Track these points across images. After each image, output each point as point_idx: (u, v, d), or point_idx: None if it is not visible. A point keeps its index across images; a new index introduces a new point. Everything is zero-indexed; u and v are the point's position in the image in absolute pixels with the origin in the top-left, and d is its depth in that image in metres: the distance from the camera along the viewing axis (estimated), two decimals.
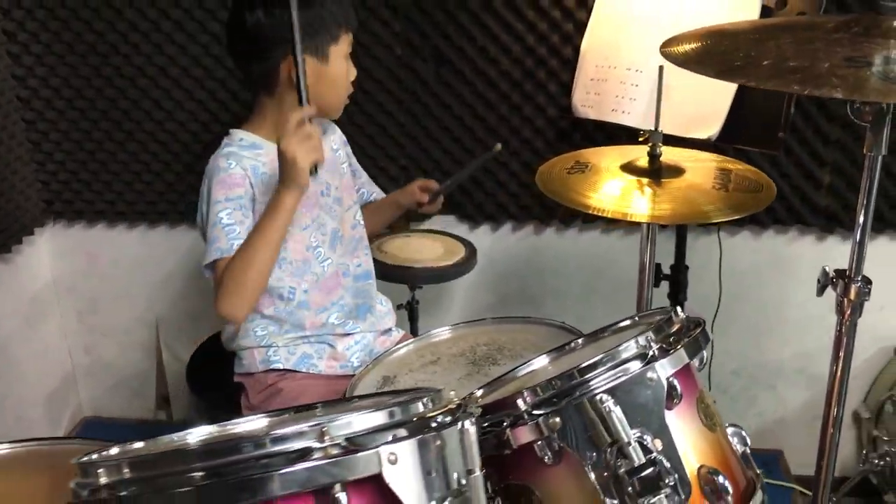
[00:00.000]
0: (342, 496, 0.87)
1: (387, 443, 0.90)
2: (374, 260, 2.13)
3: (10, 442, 1.48)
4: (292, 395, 1.80)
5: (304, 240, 1.83)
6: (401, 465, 0.90)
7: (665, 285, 2.21)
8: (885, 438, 2.40)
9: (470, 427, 0.97)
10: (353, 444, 0.90)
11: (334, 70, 1.77)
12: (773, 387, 2.60)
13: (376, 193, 2.17)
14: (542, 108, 2.34)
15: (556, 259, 2.54)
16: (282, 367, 1.84)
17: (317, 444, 0.88)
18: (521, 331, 1.81)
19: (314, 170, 1.62)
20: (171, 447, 0.92)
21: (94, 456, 0.93)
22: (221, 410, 1.90)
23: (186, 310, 2.75)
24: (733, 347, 2.51)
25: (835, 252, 2.40)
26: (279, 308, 1.84)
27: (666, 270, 2.21)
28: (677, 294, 2.21)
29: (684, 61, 1.25)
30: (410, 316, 2.28)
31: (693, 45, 1.33)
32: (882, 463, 2.37)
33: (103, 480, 0.90)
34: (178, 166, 2.52)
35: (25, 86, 2.44)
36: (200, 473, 0.88)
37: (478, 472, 0.97)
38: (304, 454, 0.88)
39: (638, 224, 2.43)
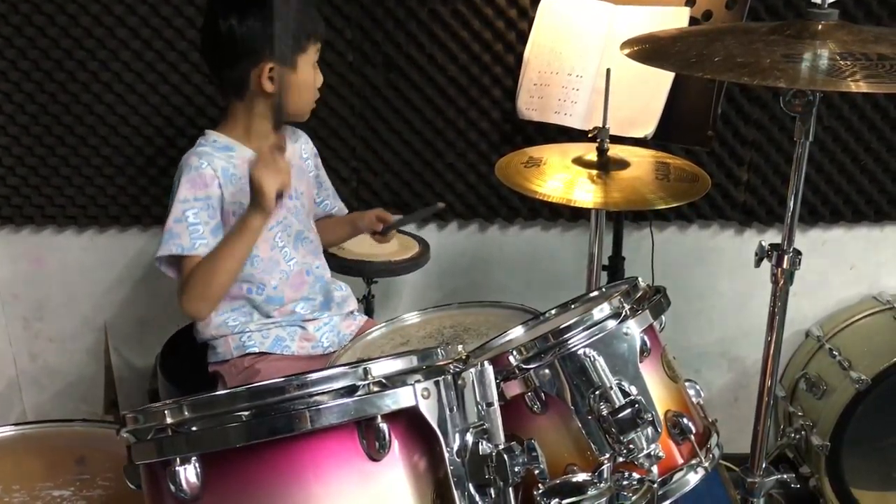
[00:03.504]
0: (384, 426, 1.00)
1: (419, 381, 1.03)
2: (333, 255, 2.25)
3: (14, 424, 1.54)
4: (269, 375, 1.88)
5: (269, 239, 1.93)
6: (432, 400, 1.03)
7: (603, 275, 2.39)
8: (800, 414, 2.62)
9: (488, 366, 1.11)
10: (392, 382, 1.03)
11: (302, 78, 1.87)
12: (697, 370, 2.81)
13: (338, 209, 2.27)
14: (487, 112, 2.50)
15: (500, 255, 2.70)
16: (257, 350, 1.94)
17: (361, 382, 1.01)
18: (484, 313, 1.94)
19: (279, 196, 1.72)
20: (225, 391, 1.02)
21: (157, 403, 1.03)
22: None
23: (136, 314, 2.78)
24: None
25: (752, 244, 2.59)
26: (248, 299, 1.94)
27: (604, 261, 2.39)
28: None
29: (646, 59, 1.43)
30: (367, 309, 2.40)
31: (647, 47, 1.51)
32: (798, 437, 2.59)
33: (169, 420, 1.00)
34: (132, 170, 2.56)
35: None
36: (255, 410, 0.99)
37: (496, 405, 1.11)
38: (352, 390, 1.00)
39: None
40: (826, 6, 1.45)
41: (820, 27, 1.44)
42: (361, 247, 2.34)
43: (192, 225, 1.80)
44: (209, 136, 1.91)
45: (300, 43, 1.85)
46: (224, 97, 1.95)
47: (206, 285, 1.78)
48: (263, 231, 1.81)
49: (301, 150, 2.09)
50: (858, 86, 1.30)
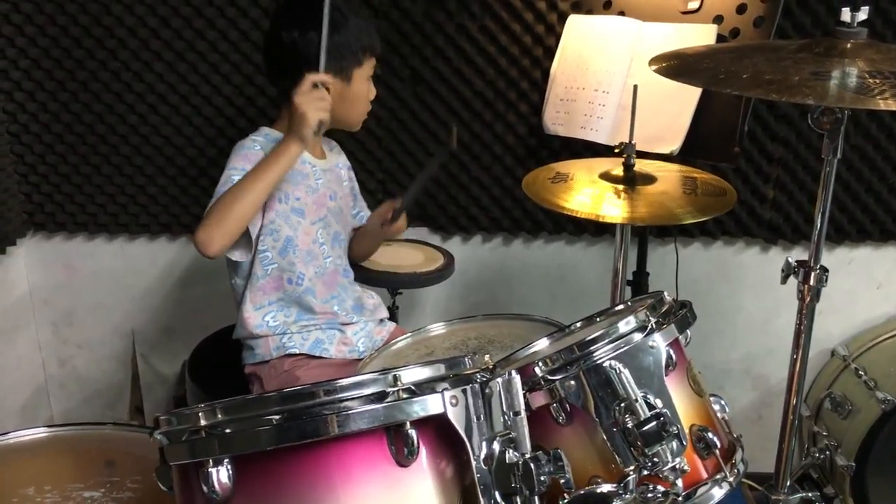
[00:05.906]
0: (412, 432, 1.01)
1: (447, 389, 1.05)
2: (360, 266, 2.27)
3: (46, 426, 1.57)
4: (309, 381, 1.90)
5: (312, 233, 1.97)
6: (460, 408, 1.05)
7: (627, 290, 2.39)
8: (825, 434, 2.60)
9: (515, 376, 1.13)
10: (421, 389, 1.04)
11: (356, 90, 1.94)
12: (721, 387, 2.79)
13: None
14: (513, 126, 2.52)
15: (524, 268, 2.71)
16: (297, 352, 1.96)
17: (391, 389, 1.02)
18: (509, 325, 1.95)
19: (318, 129, 1.77)
20: (257, 395, 1.04)
21: (190, 407, 1.05)
22: None
23: (164, 321, 2.82)
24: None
25: (778, 262, 2.57)
26: (287, 291, 1.97)
27: (629, 276, 2.39)
28: None
29: (674, 74, 1.44)
30: (391, 319, 2.41)
31: (676, 62, 1.52)
32: (822, 457, 2.57)
33: (202, 423, 1.02)
34: (162, 179, 2.60)
35: (11, 99, 2.51)
36: (286, 413, 1.01)
37: (523, 414, 1.12)
38: (381, 396, 1.02)
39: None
40: (855, 25, 1.46)
41: (849, 45, 1.45)
42: (387, 258, 2.36)
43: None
44: (262, 130, 1.97)
45: (358, 57, 1.91)
46: (281, 99, 2.00)
47: (226, 209, 1.75)
48: (309, 220, 1.85)
49: (338, 159, 2.16)
50: (887, 103, 1.30)
